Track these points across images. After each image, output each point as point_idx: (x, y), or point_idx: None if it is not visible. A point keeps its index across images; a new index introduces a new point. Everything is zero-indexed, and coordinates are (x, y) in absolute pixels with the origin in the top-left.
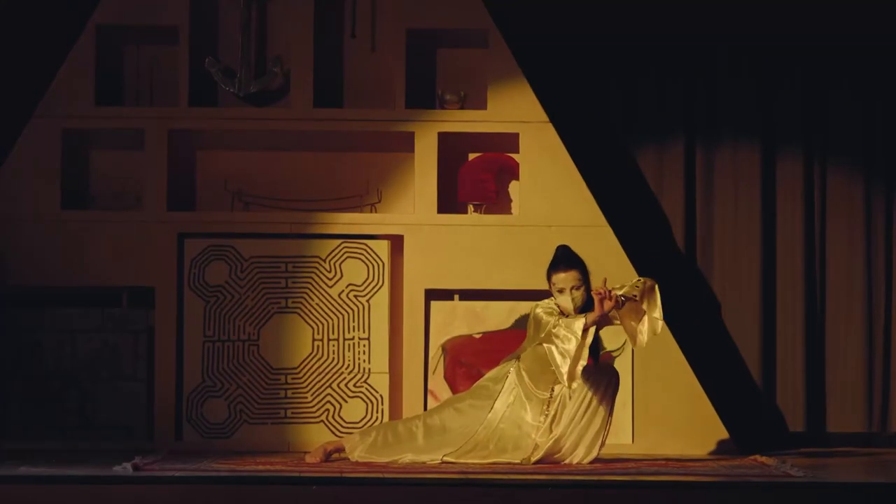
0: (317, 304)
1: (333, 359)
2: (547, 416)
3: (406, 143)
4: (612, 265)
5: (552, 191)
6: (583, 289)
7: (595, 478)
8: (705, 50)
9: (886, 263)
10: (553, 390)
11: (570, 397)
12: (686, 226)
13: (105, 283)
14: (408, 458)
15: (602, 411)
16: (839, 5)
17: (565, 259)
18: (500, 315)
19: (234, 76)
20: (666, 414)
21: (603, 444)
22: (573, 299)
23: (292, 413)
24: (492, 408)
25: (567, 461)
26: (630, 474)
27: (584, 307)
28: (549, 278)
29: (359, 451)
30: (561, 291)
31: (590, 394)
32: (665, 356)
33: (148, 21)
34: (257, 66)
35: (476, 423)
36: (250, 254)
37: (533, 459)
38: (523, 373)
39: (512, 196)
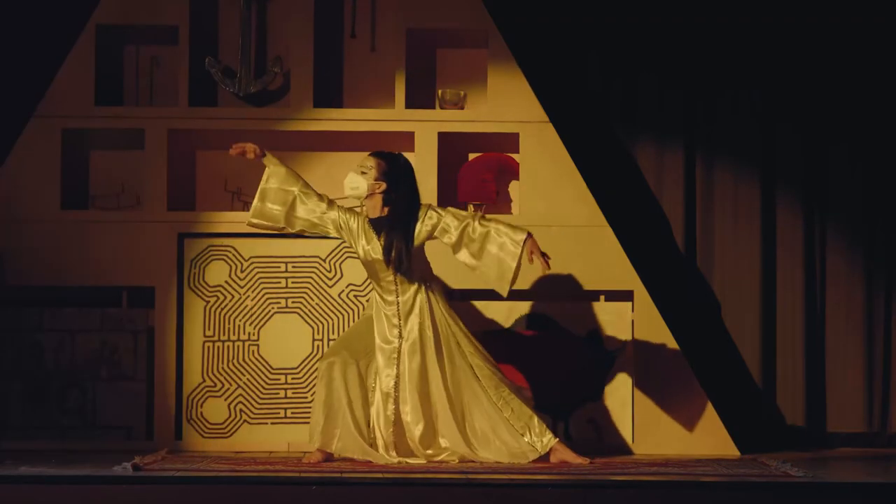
0: (317, 304)
1: None
2: (396, 337)
3: (406, 143)
4: (612, 265)
5: (552, 191)
6: (366, 176)
7: (595, 478)
8: (705, 49)
9: (887, 263)
10: (398, 296)
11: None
12: (686, 226)
13: (105, 283)
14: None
15: (505, 397)
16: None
17: (376, 151)
18: (499, 315)
19: (234, 76)
20: (666, 414)
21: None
22: (351, 177)
23: (292, 413)
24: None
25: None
26: (630, 474)
27: (384, 216)
28: None
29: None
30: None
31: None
32: (665, 356)
33: (148, 21)
34: (257, 66)
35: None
36: (250, 254)
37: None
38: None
39: (512, 196)
